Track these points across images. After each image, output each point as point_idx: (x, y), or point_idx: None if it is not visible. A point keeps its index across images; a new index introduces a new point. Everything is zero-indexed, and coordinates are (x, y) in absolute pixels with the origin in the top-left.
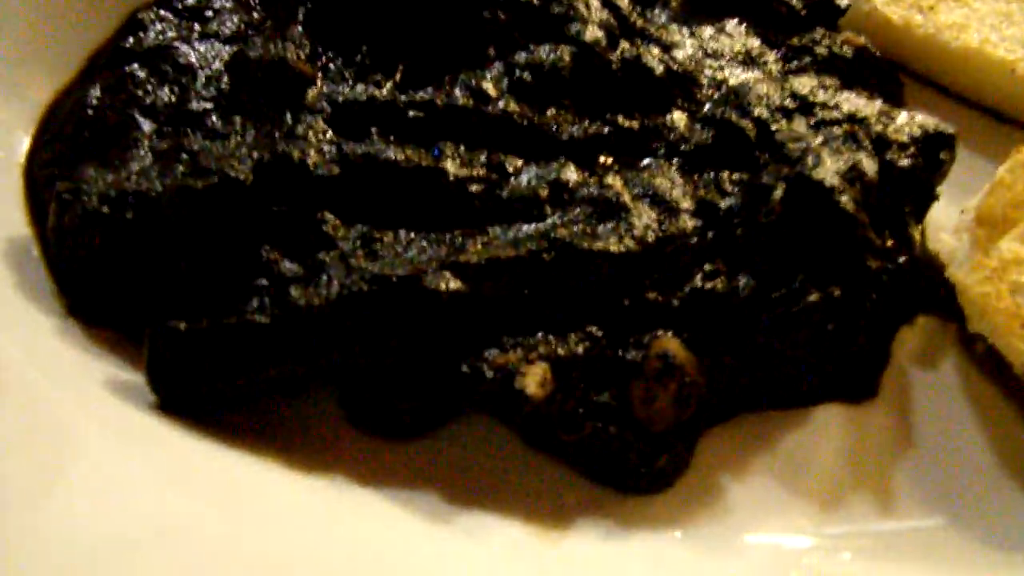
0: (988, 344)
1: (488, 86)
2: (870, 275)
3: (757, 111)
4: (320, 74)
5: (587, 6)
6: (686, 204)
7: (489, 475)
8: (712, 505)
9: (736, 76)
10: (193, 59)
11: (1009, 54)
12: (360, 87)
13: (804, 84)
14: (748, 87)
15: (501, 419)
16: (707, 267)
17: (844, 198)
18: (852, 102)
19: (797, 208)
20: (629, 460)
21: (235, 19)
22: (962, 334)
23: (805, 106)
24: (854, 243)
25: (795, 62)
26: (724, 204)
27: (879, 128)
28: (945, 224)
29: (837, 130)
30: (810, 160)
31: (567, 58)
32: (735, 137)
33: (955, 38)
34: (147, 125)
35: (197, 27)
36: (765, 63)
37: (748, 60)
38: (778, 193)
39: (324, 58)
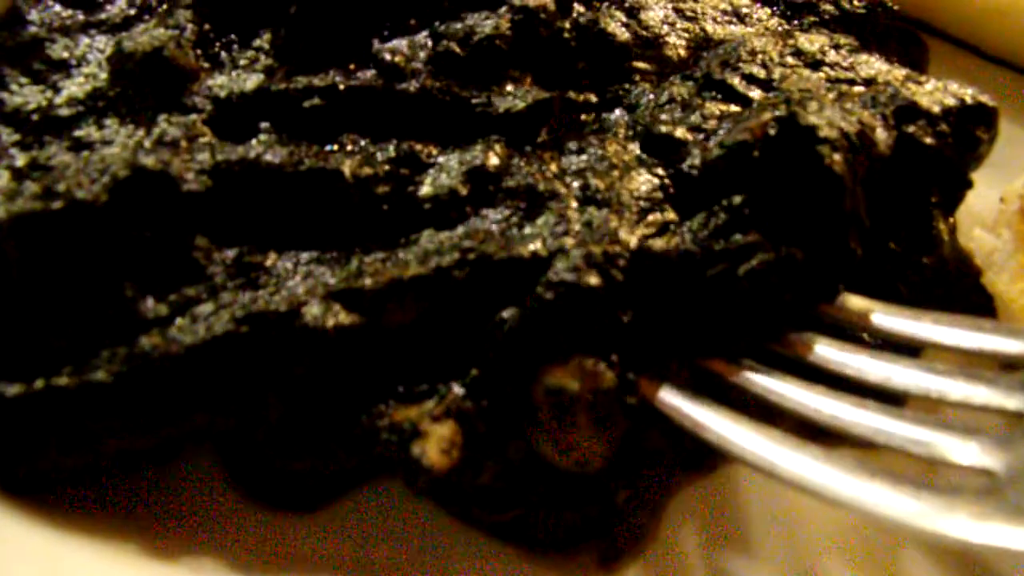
0: None
1: (401, 60)
2: (849, 258)
3: (749, 68)
4: (208, 64)
5: None
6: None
7: (405, 553)
8: None
9: (722, 36)
10: (69, 54)
11: None
12: (251, 77)
13: (813, 41)
14: (739, 42)
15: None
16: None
17: (836, 156)
18: (871, 66)
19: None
20: (584, 530)
21: (124, 4)
22: None
23: (813, 64)
24: (837, 214)
25: (796, 21)
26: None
27: (904, 95)
28: (982, 214)
29: (856, 90)
30: (810, 105)
31: (506, 27)
32: (719, 93)
33: None
34: (8, 135)
35: (81, 16)
36: (760, 23)
37: (739, 20)
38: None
39: (217, 44)
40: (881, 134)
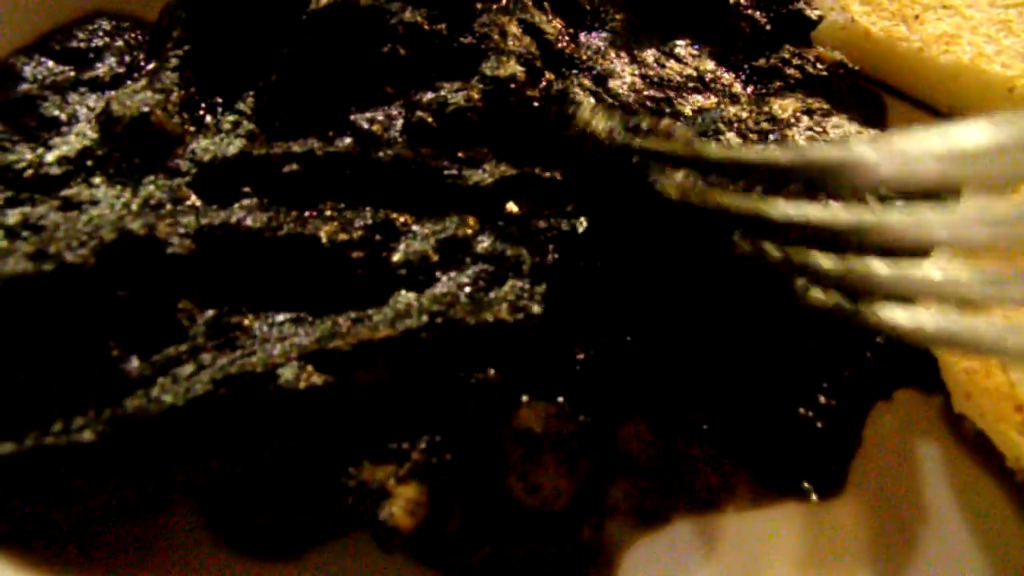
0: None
1: (378, 128)
2: None
3: (725, 137)
4: (192, 127)
5: (504, 34)
6: None
7: None
8: None
9: (691, 105)
10: (60, 112)
11: (1006, 69)
12: (233, 141)
13: (785, 108)
14: (718, 111)
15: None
16: None
17: None
18: (841, 128)
19: None
20: (552, 567)
21: (114, 62)
22: (947, 411)
23: (788, 128)
24: None
25: (762, 86)
26: None
27: None
28: None
29: None
30: None
31: (477, 99)
32: None
33: (944, 52)
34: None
35: (72, 73)
36: (725, 89)
37: (704, 87)
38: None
39: (202, 106)
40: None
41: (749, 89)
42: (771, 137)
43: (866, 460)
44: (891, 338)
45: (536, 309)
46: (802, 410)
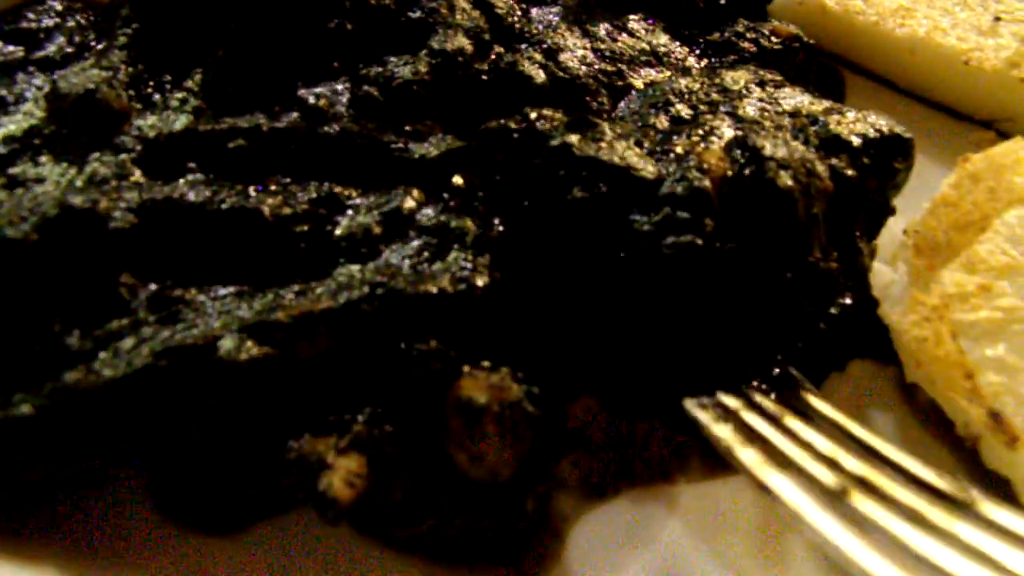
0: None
1: (324, 103)
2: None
3: (675, 109)
4: (139, 105)
5: (452, 8)
6: None
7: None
8: None
9: (642, 78)
10: (8, 92)
11: (961, 42)
12: (179, 118)
13: (737, 78)
14: (668, 83)
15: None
16: None
17: (783, 173)
18: (795, 99)
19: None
20: (496, 538)
21: (64, 42)
22: (901, 381)
23: (739, 99)
24: (791, 228)
25: (716, 60)
26: None
27: (828, 129)
28: (882, 243)
29: (785, 121)
30: (754, 136)
31: (424, 72)
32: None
33: (900, 25)
34: None
35: (22, 53)
36: (679, 62)
37: (657, 60)
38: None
39: (150, 84)
40: (820, 167)
41: (703, 63)
42: (721, 109)
43: None
44: (844, 311)
45: (479, 280)
46: (755, 383)
